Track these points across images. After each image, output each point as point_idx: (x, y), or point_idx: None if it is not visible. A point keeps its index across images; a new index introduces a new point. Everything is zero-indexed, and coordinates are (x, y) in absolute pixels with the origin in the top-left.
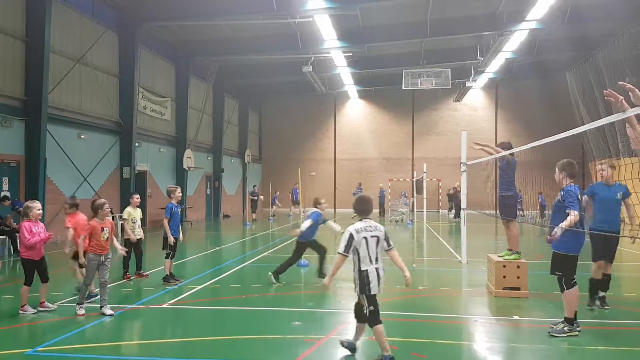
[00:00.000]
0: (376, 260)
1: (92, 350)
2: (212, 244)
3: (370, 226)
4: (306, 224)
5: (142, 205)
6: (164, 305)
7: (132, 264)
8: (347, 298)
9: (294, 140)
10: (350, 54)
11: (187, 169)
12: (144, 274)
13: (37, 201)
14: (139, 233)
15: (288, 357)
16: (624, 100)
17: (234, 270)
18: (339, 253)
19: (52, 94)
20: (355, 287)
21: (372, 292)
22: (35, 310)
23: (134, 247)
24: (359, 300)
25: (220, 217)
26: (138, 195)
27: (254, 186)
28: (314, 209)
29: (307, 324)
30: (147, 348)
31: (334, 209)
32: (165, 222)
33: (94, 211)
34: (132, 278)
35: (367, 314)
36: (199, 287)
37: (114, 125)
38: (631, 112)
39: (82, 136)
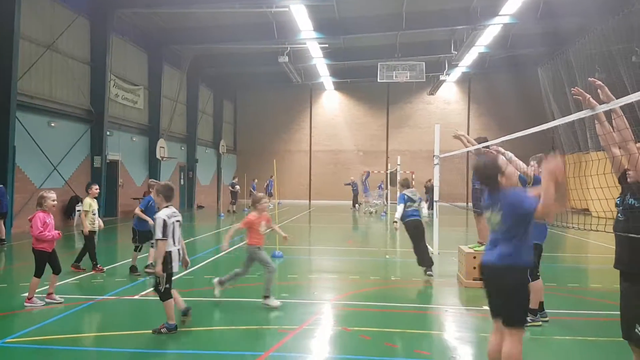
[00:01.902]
0: (178, 241)
1: (62, 342)
2: (185, 235)
3: (175, 212)
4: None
5: (115, 195)
6: (136, 297)
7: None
8: (320, 289)
9: (270, 131)
10: (326, 45)
11: (160, 159)
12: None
13: (52, 191)
14: (96, 224)
15: (262, 347)
16: (591, 99)
17: (208, 261)
18: (158, 240)
19: (21, 80)
20: (155, 266)
21: (173, 271)
22: (44, 302)
23: (88, 239)
24: (157, 280)
25: (194, 208)
26: (97, 186)
27: (234, 177)
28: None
29: (280, 314)
30: (118, 340)
31: (309, 201)
32: (139, 211)
33: (252, 205)
34: (104, 270)
35: (161, 290)
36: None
37: (85, 114)
38: (600, 109)
39: (53, 124)
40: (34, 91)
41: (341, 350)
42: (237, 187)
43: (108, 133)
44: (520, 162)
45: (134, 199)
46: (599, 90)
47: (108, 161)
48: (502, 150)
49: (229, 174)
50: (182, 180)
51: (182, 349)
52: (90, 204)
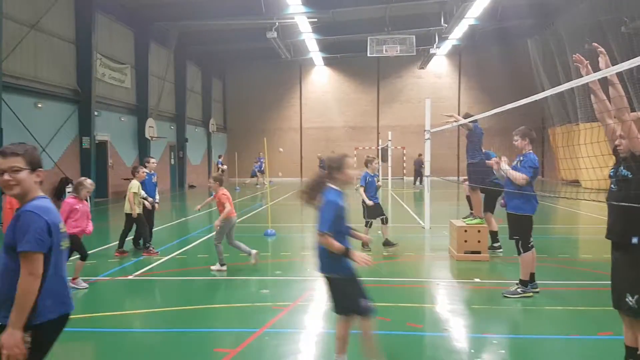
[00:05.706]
0: None
1: None
2: (178, 214)
3: None
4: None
5: (105, 176)
6: (130, 277)
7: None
8: (313, 266)
9: (260, 109)
10: (315, 20)
11: (149, 138)
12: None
13: (90, 179)
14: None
15: (256, 324)
16: (589, 65)
17: (201, 240)
18: None
19: (6, 61)
20: None
21: None
22: (87, 285)
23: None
24: None
25: (185, 187)
26: (144, 169)
27: (220, 156)
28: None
29: (274, 291)
30: (113, 320)
31: (301, 178)
32: (362, 190)
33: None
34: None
35: None
36: (166, 258)
37: (71, 94)
38: (591, 78)
39: (39, 105)
40: (19, 72)
41: (335, 325)
42: (225, 166)
43: (96, 113)
44: (508, 168)
45: (124, 179)
46: (599, 58)
47: (97, 142)
48: (500, 165)
49: (220, 152)
50: (172, 160)
51: (177, 328)
52: (139, 186)
